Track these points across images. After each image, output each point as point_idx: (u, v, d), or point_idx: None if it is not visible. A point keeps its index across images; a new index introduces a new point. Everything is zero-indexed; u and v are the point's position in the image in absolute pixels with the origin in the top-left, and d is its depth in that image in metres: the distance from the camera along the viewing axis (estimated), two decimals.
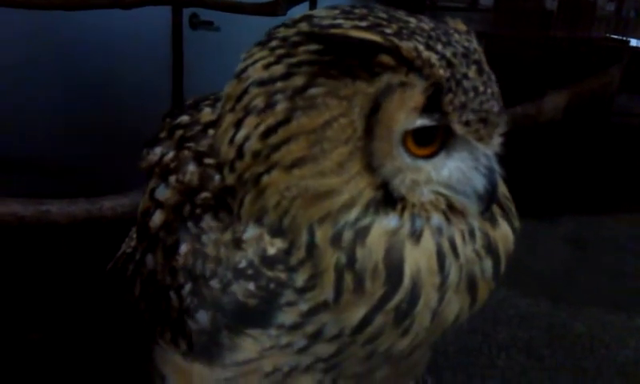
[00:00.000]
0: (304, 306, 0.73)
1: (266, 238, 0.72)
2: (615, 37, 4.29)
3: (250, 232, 0.73)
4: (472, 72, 0.67)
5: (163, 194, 0.84)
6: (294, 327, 0.75)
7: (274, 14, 2.60)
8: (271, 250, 0.72)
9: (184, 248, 0.79)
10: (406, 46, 0.65)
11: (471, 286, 0.74)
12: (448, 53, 0.66)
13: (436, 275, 0.71)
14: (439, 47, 0.66)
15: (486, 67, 0.70)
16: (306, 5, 3.20)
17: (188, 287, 0.79)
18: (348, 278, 0.69)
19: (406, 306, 0.71)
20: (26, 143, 3.12)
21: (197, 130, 0.85)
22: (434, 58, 0.65)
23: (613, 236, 3.13)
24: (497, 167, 0.72)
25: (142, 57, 3.18)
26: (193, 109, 0.89)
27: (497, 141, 0.72)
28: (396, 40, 0.65)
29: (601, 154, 4.18)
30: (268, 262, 0.72)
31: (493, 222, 0.77)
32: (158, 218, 0.84)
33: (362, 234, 0.69)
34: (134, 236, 1.01)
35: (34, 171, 3.16)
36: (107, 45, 3.07)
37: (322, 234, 0.69)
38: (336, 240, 0.69)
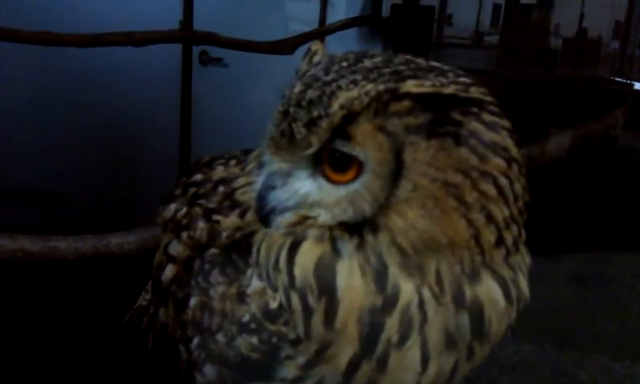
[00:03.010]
0: (301, 360, 0.72)
1: (269, 292, 0.73)
2: (620, 80, 4.30)
3: (254, 286, 0.74)
4: (293, 96, 0.67)
5: (175, 249, 0.85)
6: (296, 381, 0.75)
7: (281, 52, 2.65)
8: (273, 304, 0.72)
9: (193, 302, 0.80)
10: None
11: (449, 340, 0.70)
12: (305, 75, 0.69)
13: (373, 295, 0.68)
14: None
15: (316, 103, 0.65)
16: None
17: (196, 341, 0.80)
18: (294, 297, 0.70)
19: (367, 329, 0.68)
20: (35, 176, 3.15)
21: (208, 187, 0.87)
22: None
23: (617, 274, 3.12)
24: (270, 184, 0.71)
25: (151, 92, 3.21)
26: (207, 167, 0.91)
27: (283, 167, 0.70)
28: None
29: (605, 191, 4.18)
30: (270, 315, 0.72)
31: (473, 277, 0.70)
32: (169, 271, 0.86)
33: (291, 253, 0.70)
34: (150, 289, 1.02)
35: (41, 202, 3.19)
36: (118, 81, 3.10)
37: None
38: (275, 264, 0.71)
